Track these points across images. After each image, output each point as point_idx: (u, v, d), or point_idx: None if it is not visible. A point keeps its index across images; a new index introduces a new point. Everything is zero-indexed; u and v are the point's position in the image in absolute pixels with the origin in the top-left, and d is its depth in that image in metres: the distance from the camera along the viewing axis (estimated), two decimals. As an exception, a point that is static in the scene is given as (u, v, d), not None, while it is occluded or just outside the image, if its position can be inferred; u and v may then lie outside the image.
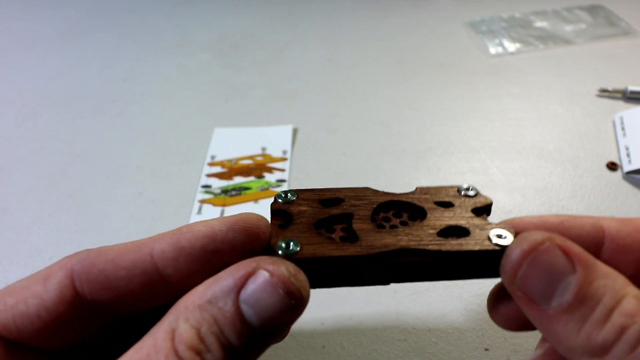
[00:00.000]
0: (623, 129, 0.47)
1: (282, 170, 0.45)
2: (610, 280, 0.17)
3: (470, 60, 0.59)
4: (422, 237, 0.19)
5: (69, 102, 0.55)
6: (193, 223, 0.19)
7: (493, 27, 0.65)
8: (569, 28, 0.64)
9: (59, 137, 0.50)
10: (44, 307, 0.18)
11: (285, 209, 0.20)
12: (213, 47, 0.64)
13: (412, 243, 0.19)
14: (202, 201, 0.42)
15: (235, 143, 0.48)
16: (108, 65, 0.62)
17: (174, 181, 0.44)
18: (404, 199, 0.21)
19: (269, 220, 0.20)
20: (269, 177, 0.44)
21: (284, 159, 0.46)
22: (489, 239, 0.19)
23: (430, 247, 0.19)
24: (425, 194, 0.21)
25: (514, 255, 0.17)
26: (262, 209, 0.41)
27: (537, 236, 0.17)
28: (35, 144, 0.49)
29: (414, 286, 0.34)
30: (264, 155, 0.46)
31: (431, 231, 0.19)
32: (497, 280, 0.20)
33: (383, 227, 0.20)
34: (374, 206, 0.21)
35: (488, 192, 0.42)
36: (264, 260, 0.17)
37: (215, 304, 0.16)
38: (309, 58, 0.61)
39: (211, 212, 0.41)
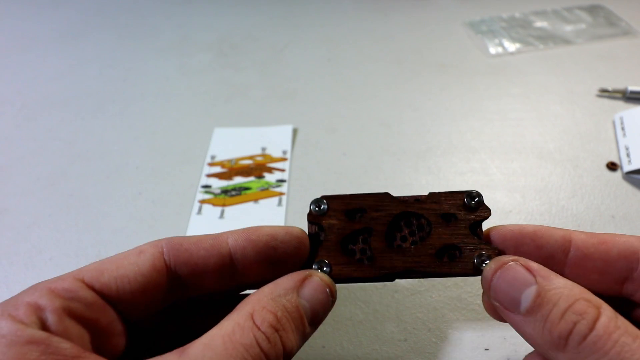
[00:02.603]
0: (623, 129, 0.47)
1: (282, 170, 0.45)
2: (566, 289, 0.20)
3: (470, 60, 0.59)
4: (423, 259, 0.24)
5: (69, 102, 0.55)
6: (260, 225, 0.24)
7: (493, 27, 0.65)
8: (569, 28, 0.64)
9: (59, 137, 0.50)
10: (140, 273, 0.21)
11: (318, 222, 0.25)
12: (213, 47, 0.64)
13: (413, 265, 0.24)
14: (202, 201, 0.42)
15: (235, 143, 0.48)
16: (108, 65, 0.62)
17: (174, 181, 0.44)
18: (415, 209, 0.25)
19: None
20: (269, 177, 0.44)
21: (284, 159, 0.46)
22: (474, 262, 0.24)
23: (427, 270, 0.24)
24: (435, 202, 0.25)
25: (486, 273, 0.23)
26: (262, 209, 0.41)
27: (504, 258, 0.22)
28: (35, 144, 0.49)
29: (414, 286, 0.34)
30: (264, 155, 0.46)
31: (430, 251, 0.24)
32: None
33: (395, 237, 0.25)
34: (390, 219, 0.25)
35: (488, 192, 0.42)
36: (314, 271, 0.24)
37: (284, 297, 0.21)
38: (309, 58, 0.61)
39: (211, 212, 0.41)
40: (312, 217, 0.25)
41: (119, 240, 0.39)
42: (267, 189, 0.43)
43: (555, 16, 0.67)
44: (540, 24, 0.65)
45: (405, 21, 0.68)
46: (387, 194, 0.26)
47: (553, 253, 0.23)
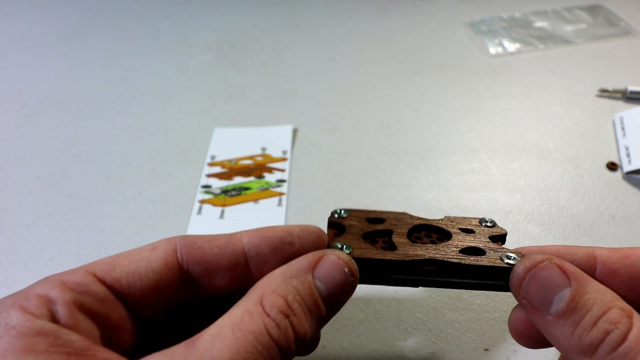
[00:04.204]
0: (623, 129, 0.47)
1: (282, 170, 0.45)
2: (600, 294, 0.20)
3: (470, 60, 0.59)
4: (447, 252, 0.24)
5: (69, 102, 0.55)
6: (277, 225, 0.23)
7: (493, 27, 0.65)
8: (569, 28, 0.64)
9: (59, 137, 0.50)
10: (152, 269, 0.21)
11: (339, 222, 0.25)
12: (213, 47, 0.64)
13: (438, 256, 0.23)
14: (202, 201, 0.42)
15: (235, 143, 0.48)
16: (108, 65, 0.62)
17: (174, 181, 0.44)
18: (434, 223, 0.26)
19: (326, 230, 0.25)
20: (269, 177, 0.44)
21: (284, 159, 0.46)
22: (501, 259, 0.23)
23: (452, 260, 0.23)
24: (452, 221, 0.26)
25: (518, 271, 0.22)
26: (262, 209, 0.41)
27: (537, 257, 0.22)
28: (35, 144, 0.49)
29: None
30: (264, 155, 0.46)
31: (454, 249, 0.24)
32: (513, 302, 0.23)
33: (416, 243, 0.25)
34: (410, 226, 0.26)
35: (488, 192, 0.42)
36: (329, 250, 0.22)
37: (296, 278, 0.20)
38: (309, 58, 0.61)
39: (211, 212, 0.41)
40: (332, 219, 0.25)
41: (119, 240, 0.39)
42: (267, 189, 0.43)
43: (555, 16, 0.67)
44: (540, 24, 0.65)
45: (405, 21, 0.68)
46: (405, 212, 0.26)
47: None
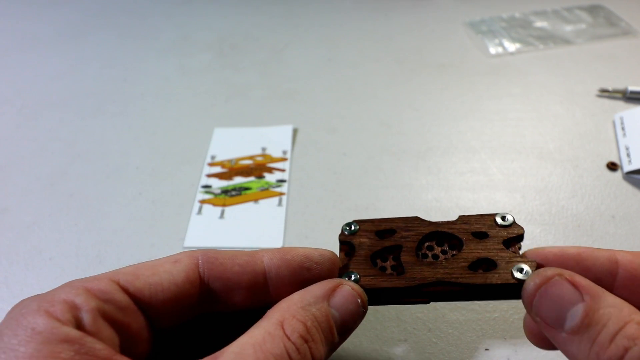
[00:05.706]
0: (623, 129, 0.47)
1: (282, 170, 0.45)
2: (615, 308, 0.19)
3: (470, 60, 0.59)
4: (455, 270, 0.23)
5: (69, 102, 0.55)
6: (294, 246, 0.24)
7: (493, 27, 0.65)
8: (569, 28, 0.64)
9: (59, 137, 0.50)
10: (174, 282, 0.21)
11: (349, 240, 0.26)
12: (213, 47, 0.64)
13: (445, 276, 0.23)
14: (202, 201, 0.42)
15: (235, 143, 0.48)
16: (108, 65, 0.62)
17: (174, 181, 0.44)
18: (445, 229, 0.25)
19: (338, 248, 0.26)
20: (269, 177, 0.44)
21: (284, 159, 0.46)
22: (511, 274, 0.23)
23: (459, 280, 0.23)
24: (465, 223, 0.25)
25: (528, 289, 0.21)
26: (262, 209, 0.41)
27: (548, 272, 0.21)
28: (35, 144, 0.49)
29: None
30: (264, 155, 0.46)
31: (463, 264, 0.24)
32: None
33: (427, 256, 0.25)
34: (420, 237, 0.25)
35: (488, 192, 0.42)
36: (344, 280, 0.23)
37: (313, 306, 0.21)
38: (309, 58, 0.61)
39: (211, 212, 0.41)
40: (343, 237, 0.26)
41: (119, 240, 0.39)
42: (267, 189, 0.43)
43: (555, 16, 0.67)
44: (540, 24, 0.65)
45: (406, 21, 0.68)
46: (416, 217, 0.26)
47: (600, 276, 0.22)
